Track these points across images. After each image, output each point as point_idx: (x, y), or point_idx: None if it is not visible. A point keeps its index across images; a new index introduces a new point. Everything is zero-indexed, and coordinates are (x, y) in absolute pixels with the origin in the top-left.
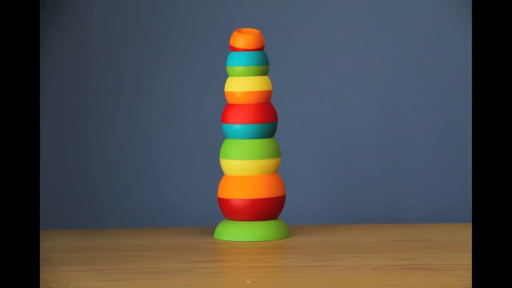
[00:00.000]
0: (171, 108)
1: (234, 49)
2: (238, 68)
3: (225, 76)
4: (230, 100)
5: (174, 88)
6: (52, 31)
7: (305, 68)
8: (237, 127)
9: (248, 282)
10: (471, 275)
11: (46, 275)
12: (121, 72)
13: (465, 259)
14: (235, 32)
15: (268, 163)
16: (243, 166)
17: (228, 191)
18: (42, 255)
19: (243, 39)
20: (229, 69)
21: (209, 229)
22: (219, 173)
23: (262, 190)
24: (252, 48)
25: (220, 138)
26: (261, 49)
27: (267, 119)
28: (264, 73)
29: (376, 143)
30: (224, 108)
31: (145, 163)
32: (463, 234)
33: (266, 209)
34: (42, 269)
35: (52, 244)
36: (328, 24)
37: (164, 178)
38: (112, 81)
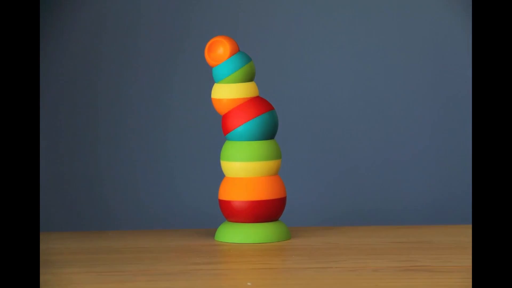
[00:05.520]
0: (171, 109)
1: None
2: (226, 80)
3: None
4: (218, 107)
5: (174, 89)
6: (52, 30)
7: (305, 70)
8: (238, 129)
9: (249, 284)
10: (471, 276)
11: (46, 277)
12: (121, 75)
13: (466, 260)
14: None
15: (269, 165)
16: (244, 168)
17: (229, 193)
18: (42, 257)
19: (213, 53)
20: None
21: (210, 231)
22: (219, 175)
23: (263, 192)
24: (227, 57)
25: (220, 139)
26: (235, 52)
27: (264, 111)
28: (250, 75)
29: (376, 145)
30: (221, 120)
31: (146, 165)
32: (464, 235)
33: (267, 211)
34: (42, 271)
35: (52, 246)
36: (328, 26)
37: (165, 180)
38: (112, 83)
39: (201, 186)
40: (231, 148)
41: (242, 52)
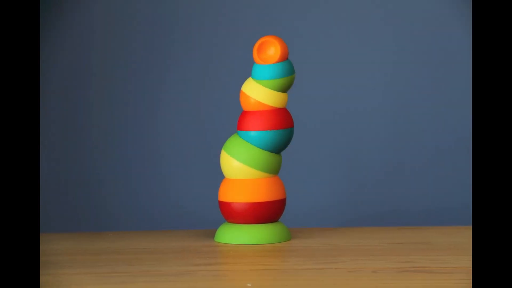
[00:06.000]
0: (171, 110)
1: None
2: (263, 82)
3: (225, 83)
4: (244, 102)
5: (174, 89)
6: (52, 30)
7: (305, 70)
8: (253, 133)
9: (249, 285)
10: (471, 278)
11: (46, 278)
12: (121, 76)
13: (465, 261)
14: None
15: (264, 175)
16: (241, 169)
17: (229, 194)
18: (42, 258)
19: (263, 54)
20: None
21: (210, 232)
22: (219, 176)
23: (262, 193)
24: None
25: (220, 141)
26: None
27: (282, 126)
28: (287, 86)
29: (376, 147)
30: (240, 115)
31: (145, 166)
32: (463, 236)
33: (267, 212)
34: (42, 272)
35: (53, 247)
36: (332, 27)
37: (164, 181)
38: (112, 84)
39: (201, 187)
40: (237, 145)
41: (290, 62)
